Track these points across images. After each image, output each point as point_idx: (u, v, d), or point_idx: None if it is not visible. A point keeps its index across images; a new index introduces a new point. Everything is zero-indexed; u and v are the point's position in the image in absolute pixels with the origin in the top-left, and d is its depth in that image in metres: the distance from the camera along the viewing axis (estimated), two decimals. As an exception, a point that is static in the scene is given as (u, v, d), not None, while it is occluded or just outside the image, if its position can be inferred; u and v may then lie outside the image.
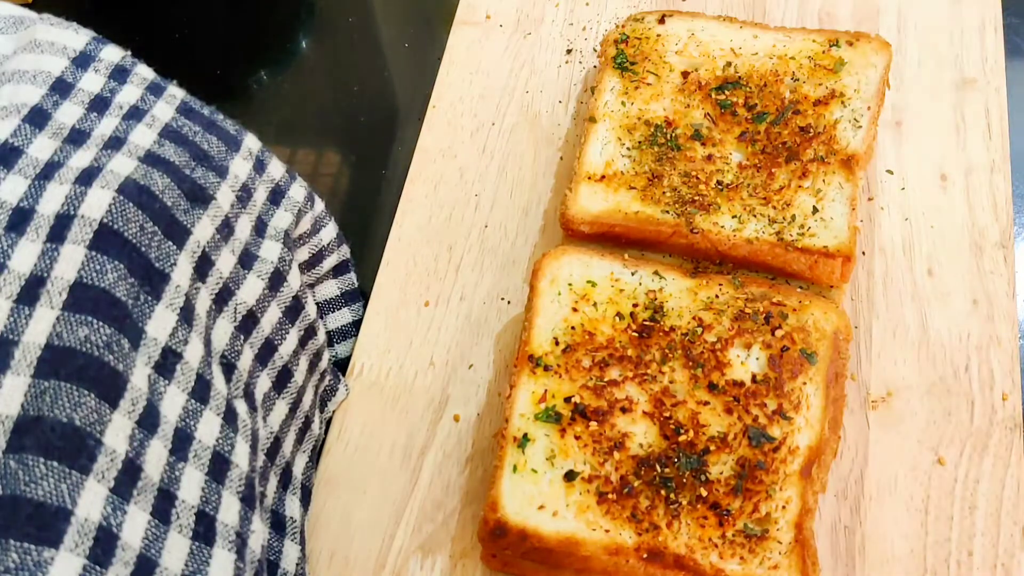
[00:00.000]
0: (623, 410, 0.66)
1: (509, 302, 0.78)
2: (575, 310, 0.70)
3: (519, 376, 0.68)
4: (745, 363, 0.68)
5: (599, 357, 0.68)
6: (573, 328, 0.70)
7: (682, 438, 0.65)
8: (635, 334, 0.69)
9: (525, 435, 0.66)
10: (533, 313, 0.71)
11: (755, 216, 0.73)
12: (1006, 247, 0.77)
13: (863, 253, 0.75)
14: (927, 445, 0.70)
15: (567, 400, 0.67)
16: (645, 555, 0.61)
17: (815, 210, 0.73)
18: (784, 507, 0.63)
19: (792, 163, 0.75)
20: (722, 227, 0.73)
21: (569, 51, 0.90)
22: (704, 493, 0.63)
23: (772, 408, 0.66)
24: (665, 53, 0.82)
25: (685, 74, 0.80)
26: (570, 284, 0.72)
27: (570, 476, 0.64)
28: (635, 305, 0.70)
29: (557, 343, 0.69)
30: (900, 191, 0.80)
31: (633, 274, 0.72)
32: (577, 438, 0.66)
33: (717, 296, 0.71)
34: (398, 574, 0.67)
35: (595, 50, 0.90)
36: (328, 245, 0.74)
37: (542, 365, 0.68)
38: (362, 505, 0.70)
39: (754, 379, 0.67)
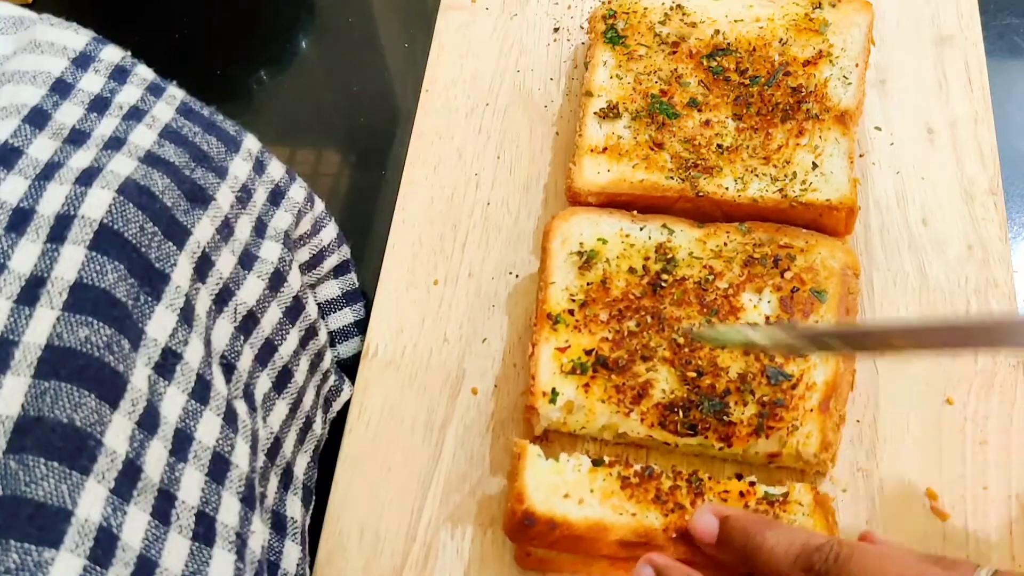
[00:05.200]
0: (644, 358, 0.68)
1: (517, 275, 0.79)
2: (588, 268, 0.72)
3: (540, 334, 0.70)
4: (758, 306, 0.70)
5: (615, 310, 0.70)
6: (588, 284, 0.71)
7: (705, 381, 0.66)
8: (649, 286, 0.71)
9: (553, 389, 0.67)
10: (547, 274, 0.73)
11: (757, 176, 0.76)
12: (995, 194, 0.80)
13: (859, 208, 0.76)
14: (935, 387, 0.72)
15: (588, 352, 0.68)
16: (673, 535, 0.62)
17: (815, 166, 0.76)
18: (806, 442, 0.65)
19: (788, 122, 0.77)
20: (726, 188, 0.75)
21: (556, 29, 0.92)
22: (728, 433, 0.66)
23: None
24: (653, 25, 0.83)
25: (675, 44, 0.82)
26: (581, 243, 0.73)
27: (597, 463, 0.65)
28: (646, 259, 0.72)
29: (573, 300, 0.71)
30: (889, 146, 0.83)
31: (642, 229, 0.74)
32: (604, 398, 0.67)
33: (725, 244, 0.73)
34: (429, 545, 0.68)
35: (582, 27, 0.91)
36: (328, 245, 0.74)
37: (561, 322, 0.70)
38: (388, 481, 0.71)
39: (767, 321, 0.69)
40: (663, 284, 0.71)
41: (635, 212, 0.76)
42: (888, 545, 0.58)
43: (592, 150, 0.78)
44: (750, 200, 0.75)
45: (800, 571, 0.53)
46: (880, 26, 0.88)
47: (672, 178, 0.76)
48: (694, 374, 0.67)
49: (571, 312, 0.71)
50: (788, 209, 0.75)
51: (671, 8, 0.84)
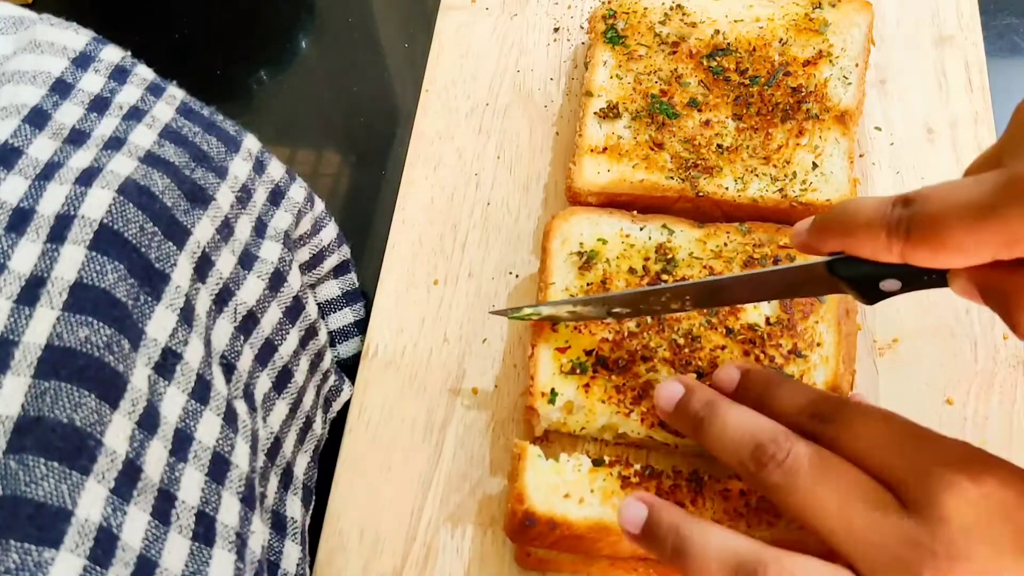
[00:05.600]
0: (644, 358, 0.68)
1: (517, 275, 0.79)
2: (588, 268, 0.72)
3: (539, 335, 0.70)
4: (758, 307, 0.70)
5: None
6: (588, 285, 0.71)
7: (705, 381, 0.66)
8: (649, 287, 0.71)
9: (553, 390, 0.67)
10: (547, 275, 0.73)
11: (757, 176, 0.76)
12: None
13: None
14: (935, 387, 0.72)
15: (588, 353, 0.69)
16: None
17: (815, 166, 0.76)
18: None
19: (788, 122, 0.77)
20: (726, 188, 0.75)
21: (556, 29, 0.92)
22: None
23: (787, 348, 0.68)
24: (653, 25, 0.83)
25: (675, 44, 0.82)
26: (581, 243, 0.73)
27: (597, 463, 0.65)
28: (646, 259, 0.72)
29: None
30: (889, 146, 0.83)
31: (642, 229, 0.74)
32: (604, 398, 0.67)
33: (725, 244, 0.73)
34: (429, 545, 0.68)
35: (582, 27, 0.91)
36: (328, 245, 0.75)
37: (561, 323, 0.70)
38: (388, 482, 0.71)
39: (768, 321, 0.69)
40: (663, 285, 0.71)
41: (635, 212, 0.76)
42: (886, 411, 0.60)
43: (592, 150, 0.78)
44: (750, 200, 0.75)
45: (807, 417, 0.57)
46: (880, 26, 0.88)
47: (672, 178, 0.76)
48: (694, 375, 0.67)
49: None
50: (788, 209, 0.75)
51: (671, 8, 0.84)
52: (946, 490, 0.49)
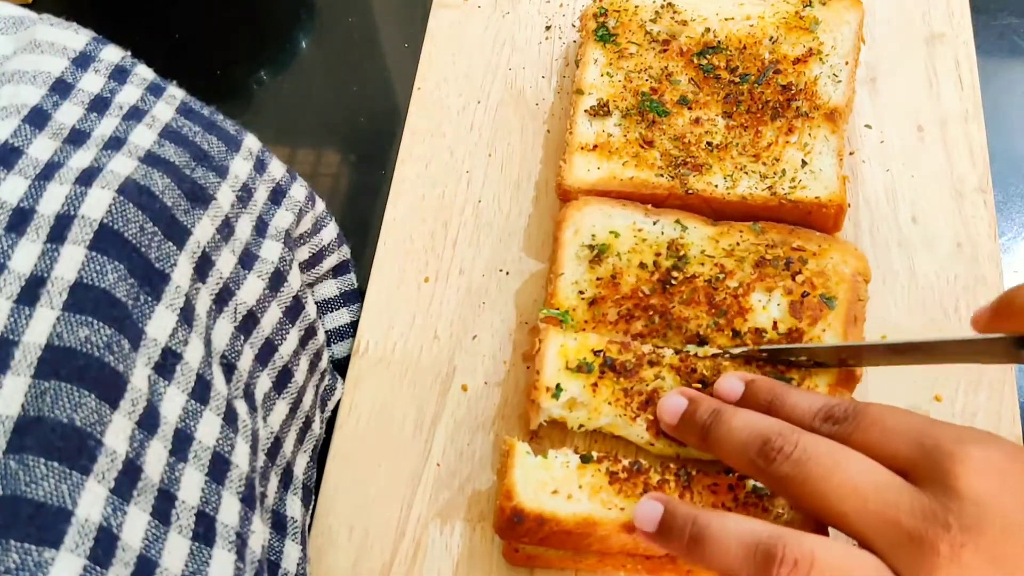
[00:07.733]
0: (651, 363, 0.68)
1: (508, 273, 0.79)
2: (599, 262, 0.72)
3: (547, 329, 0.70)
4: (767, 307, 0.70)
5: (624, 309, 0.70)
6: (599, 279, 0.71)
7: (709, 391, 0.67)
8: (658, 283, 0.71)
9: (558, 385, 0.68)
10: (557, 267, 0.73)
11: (746, 173, 0.76)
12: (985, 191, 0.80)
13: (848, 205, 0.77)
14: (924, 384, 0.72)
15: (596, 353, 0.69)
16: None
17: (804, 163, 0.76)
18: None
19: (777, 120, 0.78)
20: (715, 186, 0.75)
21: (548, 27, 0.92)
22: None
23: None
24: (644, 23, 0.84)
25: (666, 42, 0.82)
26: (593, 235, 0.74)
27: (585, 459, 0.65)
28: (657, 254, 0.72)
29: (582, 295, 0.71)
30: (879, 144, 0.83)
31: (655, 223, 0.74)
32: (611, 400, 0.68)
33: (738, 243, 0.73)
34: (418, 541, 0.69)
35: (574, 25, 0.91)
36: (328, 245, 0.75)
37: (568, 320, 0.70)
38: (377, 477, 0.71)
39: (775, 326, 0.69)
40: (673, 282, 0.71)
41: (649, 206, 0.76)
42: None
43: (582, 148, 0.79)
44: (739, 198, 0.75)
45: (820, 420, 0.58)
46: (871, 24, 0.88)
47: (662, 175, 0.76)
48: (699, 385, 0.68)
49: (580, 310, 0.71)
50: (777, 207, 0.75)
51: (662, 6, 0.85)
52: (958, 464, 0.50)
